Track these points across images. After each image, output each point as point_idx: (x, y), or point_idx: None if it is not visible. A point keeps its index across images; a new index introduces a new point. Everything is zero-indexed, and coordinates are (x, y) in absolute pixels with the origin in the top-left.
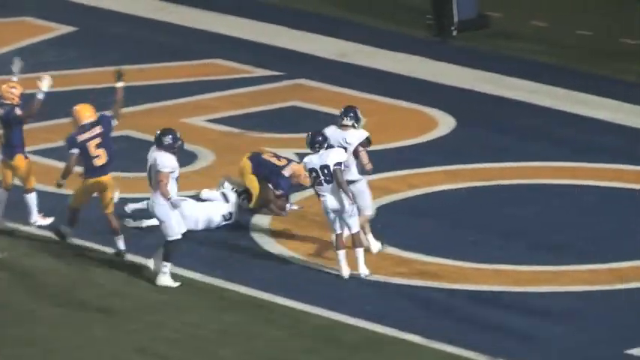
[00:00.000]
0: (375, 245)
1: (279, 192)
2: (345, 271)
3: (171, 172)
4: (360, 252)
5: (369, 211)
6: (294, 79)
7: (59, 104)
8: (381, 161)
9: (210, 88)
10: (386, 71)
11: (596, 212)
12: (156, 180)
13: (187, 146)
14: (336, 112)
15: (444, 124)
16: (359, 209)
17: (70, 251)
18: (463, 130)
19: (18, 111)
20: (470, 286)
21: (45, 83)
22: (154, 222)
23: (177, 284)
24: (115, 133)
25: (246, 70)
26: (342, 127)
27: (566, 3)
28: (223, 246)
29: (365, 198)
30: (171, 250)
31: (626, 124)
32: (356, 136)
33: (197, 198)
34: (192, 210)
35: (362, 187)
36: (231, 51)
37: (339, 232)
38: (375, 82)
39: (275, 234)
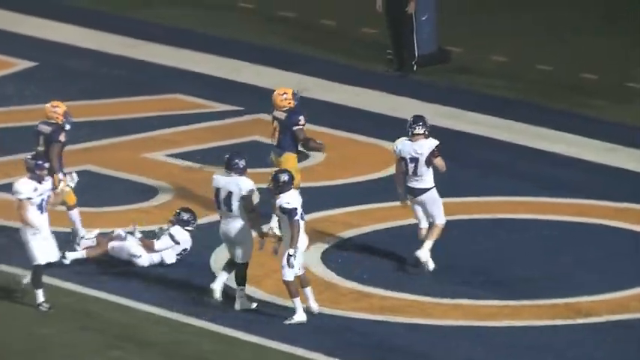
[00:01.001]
0: (430, 263)
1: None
2: (315, 307)
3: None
4: (308, 290)
5: (441, 219)
6: (254, 114)
7: (18, 139)
8: (342, 196)
9: (171, 122)
10: (345, 105)
11: (557, 247)
12: (247, 205)
13: (148, 181)
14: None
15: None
16: (432, 217)
17: None
18: None
19: (62, 137)
20: (430, 321)
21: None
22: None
23: (255, 305)
24: (76, 168)
25: (207, 105)
26: (414, 136)
27: (527, 38)
28: (184, 284)
29: (438, 206)
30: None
31: (586, 158)
32: (426, 145)
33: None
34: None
35: (435, 195)
36: (192, 86)
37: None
38: (335, 116)
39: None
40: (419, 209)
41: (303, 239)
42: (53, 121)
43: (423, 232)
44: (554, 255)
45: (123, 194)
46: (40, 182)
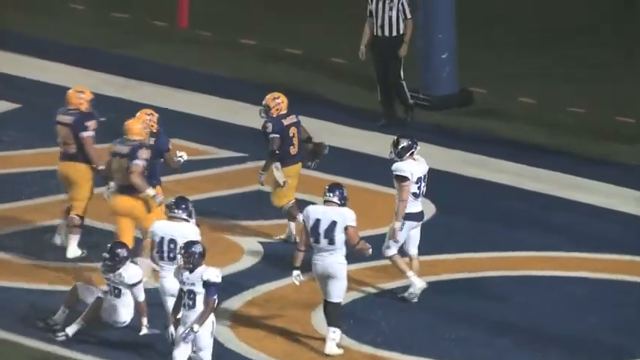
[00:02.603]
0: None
1: None
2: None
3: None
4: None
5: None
6: (258, 161)
7: None
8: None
9: (168, 171)
10: (358, 152)
11: (587, 306)
12: (352, 237)
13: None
14: (311, 198)
15: (428, 210)
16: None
17: None
18: (443, 217)
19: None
20: None
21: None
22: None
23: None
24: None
25: (206, 152)
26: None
27: (556, 78)
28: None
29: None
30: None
31: (623, 209)
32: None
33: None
34: None
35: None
36: (190, 130)
37: None
38: (347, 163)
39: (238, 330)
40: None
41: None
42: (75, 110)
43: None
44: (585, 315)
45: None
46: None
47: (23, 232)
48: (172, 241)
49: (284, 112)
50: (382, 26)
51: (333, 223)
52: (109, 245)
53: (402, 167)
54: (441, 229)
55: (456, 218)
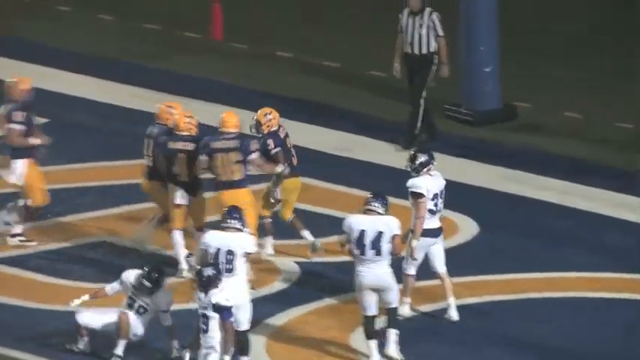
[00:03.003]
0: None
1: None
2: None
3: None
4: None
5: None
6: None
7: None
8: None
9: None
10: (396, 168)
11: (636, 330)
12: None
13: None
14: (338, 214)
15: (465, 229)
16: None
17: None
18: (486, 236)
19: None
20: None
21: None
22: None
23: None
24: (87, 239)
25: None
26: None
27: (604, 91)
28: None
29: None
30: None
31: None
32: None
33: None
34: None
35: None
36: None
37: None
38: (385, 180)
39: (275, 352)
40: None
41: None
42: (162, 124)
43: None
44: (634, 340)
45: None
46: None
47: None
48: (230, 252)
49: (275, 128)
50: (412, 43)
51: (380, 234)
52: (146, 268)
53: (417, 183)
54: (483, 248)
55: (498, 236)
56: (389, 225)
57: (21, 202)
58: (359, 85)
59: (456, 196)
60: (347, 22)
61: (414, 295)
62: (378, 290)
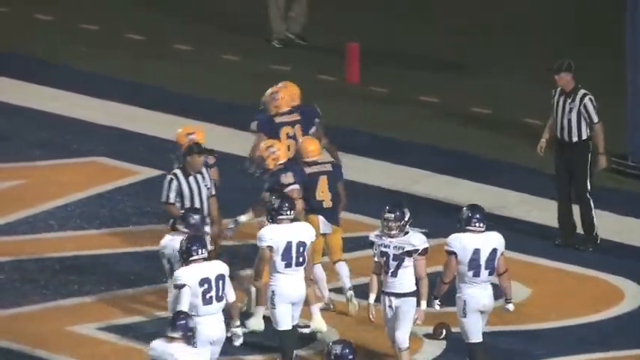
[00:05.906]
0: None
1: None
2: None
3: None
4: None
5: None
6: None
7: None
8: (557, 342)
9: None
10: (554, 227)
11: None
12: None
13: None
14: None
15: (632, 296)
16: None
17: None
18: None
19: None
20: None
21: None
22: None
23: None
24: None
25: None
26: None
27: None
28: None
29: None
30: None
31: None
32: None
33: None
34: None
35: None
36: (361, 202)
37: None
38: (543, 242)
39: None
40: None
41: None
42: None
43: None
44: None
45: None
46: None
47: None
48: (302, 243)
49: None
50: (562, 129)
51: (494, 251)
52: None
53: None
54: None
55: None
56: (500, 241)
57: None
58: (515, 133)
59: (621, 258)
60: (496, 63)
61: None
62: (485, 313)
